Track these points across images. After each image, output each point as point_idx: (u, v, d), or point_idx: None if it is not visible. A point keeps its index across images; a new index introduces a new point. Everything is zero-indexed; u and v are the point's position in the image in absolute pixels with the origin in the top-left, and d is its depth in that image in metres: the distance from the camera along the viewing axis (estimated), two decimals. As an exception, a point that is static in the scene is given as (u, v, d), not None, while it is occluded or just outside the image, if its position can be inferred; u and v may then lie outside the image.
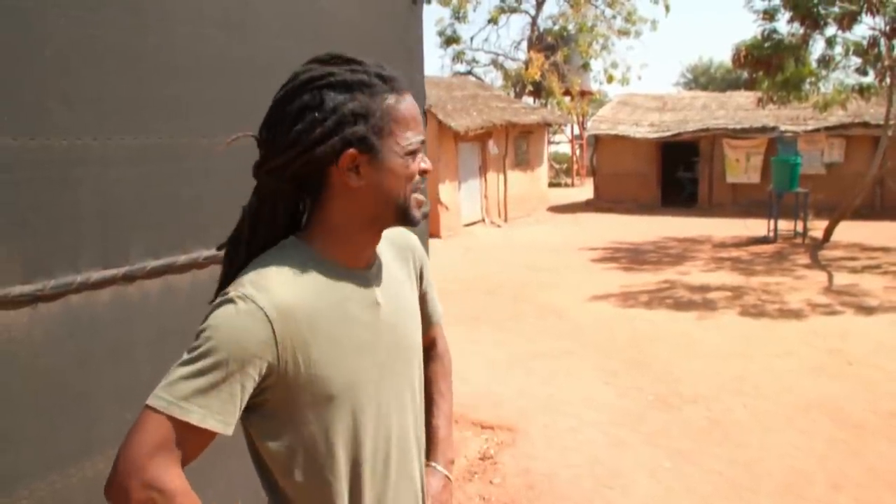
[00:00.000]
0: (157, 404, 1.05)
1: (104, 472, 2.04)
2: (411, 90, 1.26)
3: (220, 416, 1.07)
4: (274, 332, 1.10)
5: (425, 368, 1.49)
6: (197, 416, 1.05)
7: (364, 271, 1.25)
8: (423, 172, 1.25)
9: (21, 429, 1.80)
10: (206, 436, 1.08)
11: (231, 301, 1.10)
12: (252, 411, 1.17)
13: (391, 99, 1.19)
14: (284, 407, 1.16)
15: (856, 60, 12.16)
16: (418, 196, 1.25)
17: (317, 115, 1.15)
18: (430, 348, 1.57)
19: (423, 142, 1.25)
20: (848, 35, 11.72)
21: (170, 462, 1.05)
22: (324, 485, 1.20)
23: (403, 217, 1.24)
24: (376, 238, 1.27)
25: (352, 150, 1.15)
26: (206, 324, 1.10)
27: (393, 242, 1.39)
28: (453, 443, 1.48)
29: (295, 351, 1.13)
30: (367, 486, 1.23)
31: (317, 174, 1.18)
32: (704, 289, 9.21)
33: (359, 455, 1.22)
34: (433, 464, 1.47)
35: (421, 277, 1.48)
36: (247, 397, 1.11)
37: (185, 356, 1.08)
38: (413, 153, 1.22)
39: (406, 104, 1.21)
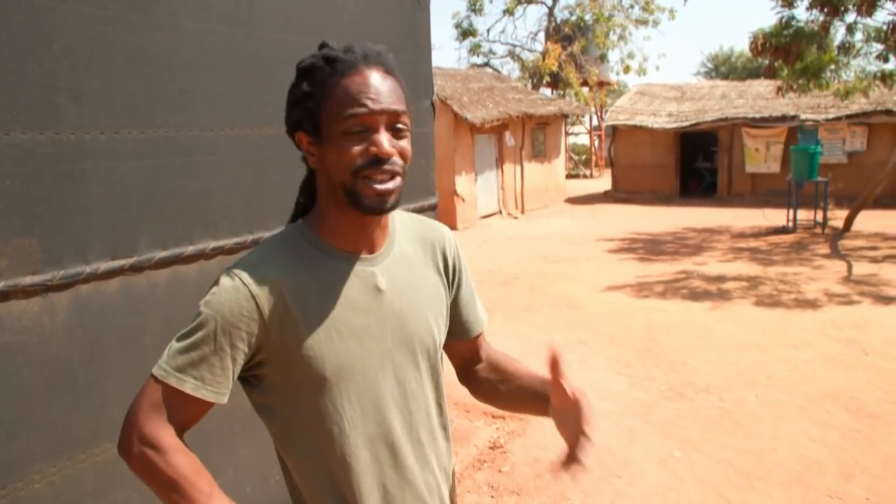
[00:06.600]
0: (157, 373, 1.15)
1: (114, 458, 2.09)
2: (402, 77, 1.24)
3: (212, 386, 1.15)
4: (258, 306, 1.16)
5: (485, 371, 1.50)
6: (191, 386, 1.14)
7: (364, 256, 1.25)
8: (371, 155, 1.16)
9: (32, 415, 1.86)
10: (202, 404, 1.16)
11: (223, 279, 1.18)
12: (253, 385, 1.23)
13: (335, 79, 1.18)
14: (281, 382, 1.21)
15: (877, 47, 11.96)
16: (374, 179, 1.17)
17: (287, 99, 1.25)
18: (476, 360, 1.51)
19: (372, 118, 1.16)
20: (868, 21, 11.54)
21: (165, 424, 1.14)
22: (321, 464, 1.23)
23: (353, 202, 1.19)
24: (362, 221, 1.23)
25: (300, 132, 1.22)
26: (203, 300, 1.17)
27: (420, 234, 1.37)
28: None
29: (282, 327, 1.18)
30: (366, 471, 1.23)
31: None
32: (721, 279, 9.15)
33: (356, 439, 1.22)
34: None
35: (452, 275, 1.41)
36: (238, 369, 1.18)
37: (185, 329, 1.17)
38: (354, 134, 1.16)
39: (349, 82, 1.16)
